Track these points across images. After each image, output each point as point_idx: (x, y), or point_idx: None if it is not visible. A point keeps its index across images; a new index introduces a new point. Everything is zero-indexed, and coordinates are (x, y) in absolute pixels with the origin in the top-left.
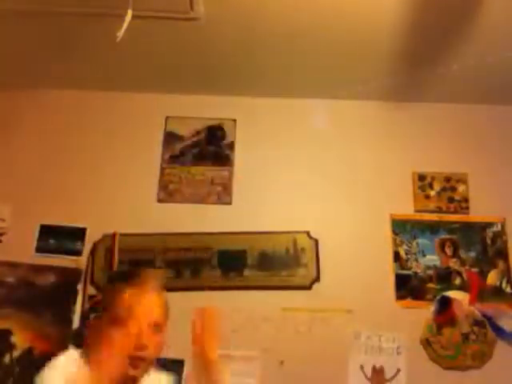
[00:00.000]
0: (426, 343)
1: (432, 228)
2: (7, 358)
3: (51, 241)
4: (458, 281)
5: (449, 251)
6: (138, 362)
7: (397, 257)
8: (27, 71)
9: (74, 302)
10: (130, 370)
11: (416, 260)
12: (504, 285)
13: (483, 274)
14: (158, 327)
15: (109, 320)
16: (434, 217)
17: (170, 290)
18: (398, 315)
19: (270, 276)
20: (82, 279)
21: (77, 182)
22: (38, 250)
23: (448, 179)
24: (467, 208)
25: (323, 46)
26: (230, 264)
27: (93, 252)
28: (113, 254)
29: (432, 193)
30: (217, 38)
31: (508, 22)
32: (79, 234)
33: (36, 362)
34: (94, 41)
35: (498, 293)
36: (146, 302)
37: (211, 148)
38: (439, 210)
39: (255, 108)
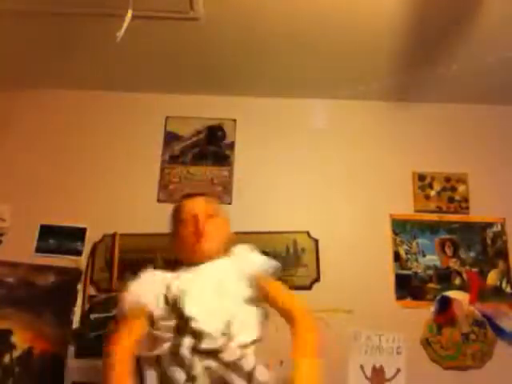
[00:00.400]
0: (426, 343)
1: (432, 228)
2: (7, 358)
3: (51, 241)
4: (458, 281)
5: (449, 251)
6: (199, 236)
7: (397, 257)
8: (27, 71)
9: (74, 302)
10: (196, 242)
11: (416, 260)
12: (504, 285)
13: (483, 274)
14: (210, 215)
15: (177, 223)
16: (434, 217)
17: None
18: (398, 315)
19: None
20: (82, 279)
21: (77, 182)
22: (38, 250)
23: (448, 179)
24: (467, 208)
25: (323, 45)
26: None
27: (93, 252)
28: (113, 254)
29: (432, 193)
30: (217, 37)
31: (508, 22)
32: (79, 234)
33: (36, 361)
34: (94, 41)
35: (497, 293)
36: (196, 202)
37: (211, 148)
38: (439, 210)
39: (255, 108)
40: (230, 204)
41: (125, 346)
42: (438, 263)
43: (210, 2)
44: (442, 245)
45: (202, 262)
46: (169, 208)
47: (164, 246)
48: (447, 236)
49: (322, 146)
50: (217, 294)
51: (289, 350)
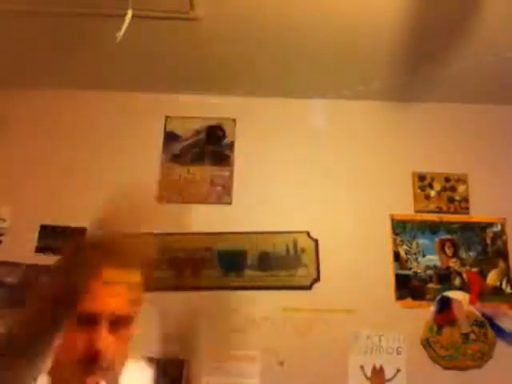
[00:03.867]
0: (426, 343)
1: (432, 228)
2: None
3: (51, 241)
4: (457, 281)
5: (449, 251)
6: (92, 366)
7: (397, 257)
8: (27, 71)
9: None
10: (85, 376)
11: (416, 260)
12: (504, 285)
13: (483, 274)
14: (120, 321)
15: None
16: (434, 217)
17: (169, 289)
18: (398, 315)
19: (270, 276)
20: None
21: (77, 181)
22: (38, 250)
23: (448, 179)
24: (467, 208)
25: (323, 46)
26: (230, 264)
27: None
28: None
29: (432, 193)
30: (217, 38)
31: (508, 22)
32: (79, 234)
33: None
34: (93, 41)
35: (497, 293)
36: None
37: (211, 148)
38: (439, 210)
39: (255, 108)
40: (230, 204)
41: None
42: (438, 263)
43: (210, 2)
44: (442, 245)
45: None
46: (169, 208)
47: (164, 246)
48: (447, 236)
49: (321, 146)
50: None
51: (289, 351)
